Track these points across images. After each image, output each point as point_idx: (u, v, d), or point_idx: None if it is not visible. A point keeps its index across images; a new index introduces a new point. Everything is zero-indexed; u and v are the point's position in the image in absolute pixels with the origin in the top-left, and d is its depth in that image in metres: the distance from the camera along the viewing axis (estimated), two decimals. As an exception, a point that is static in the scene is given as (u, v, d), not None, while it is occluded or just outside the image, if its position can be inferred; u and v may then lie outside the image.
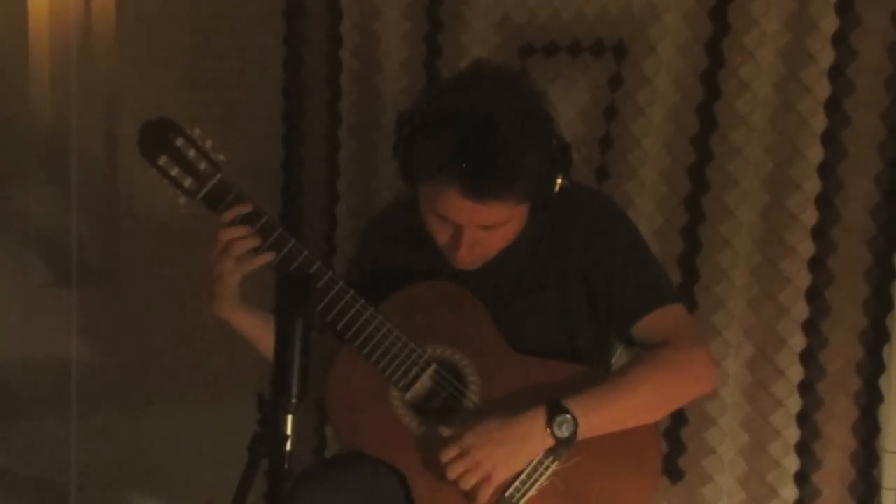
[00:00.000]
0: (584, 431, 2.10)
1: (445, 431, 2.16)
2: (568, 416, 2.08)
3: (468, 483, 2.10)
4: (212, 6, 3.29)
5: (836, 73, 2.41)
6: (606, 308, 2.22)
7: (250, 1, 3.26)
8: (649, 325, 2.19)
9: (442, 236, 2.17)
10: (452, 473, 2.10)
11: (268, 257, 2.16)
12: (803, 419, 2.50)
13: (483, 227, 2.12)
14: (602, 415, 2.12)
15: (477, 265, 2.21)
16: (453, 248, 2.16)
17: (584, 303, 2.24)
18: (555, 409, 2.09)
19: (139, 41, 3.37)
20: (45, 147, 3.45)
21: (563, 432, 2.08)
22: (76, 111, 3.42)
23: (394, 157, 2.18)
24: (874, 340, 2.41)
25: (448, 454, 2.10)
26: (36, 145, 3.44)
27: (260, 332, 2.20)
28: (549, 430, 2.08)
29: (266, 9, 3.18)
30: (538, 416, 2.09)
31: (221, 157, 2.18)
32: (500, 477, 2.11)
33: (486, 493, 2.12)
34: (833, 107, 2.42)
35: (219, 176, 2.17)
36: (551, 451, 2.13)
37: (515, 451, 2.11)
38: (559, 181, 2.13)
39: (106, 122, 3.45)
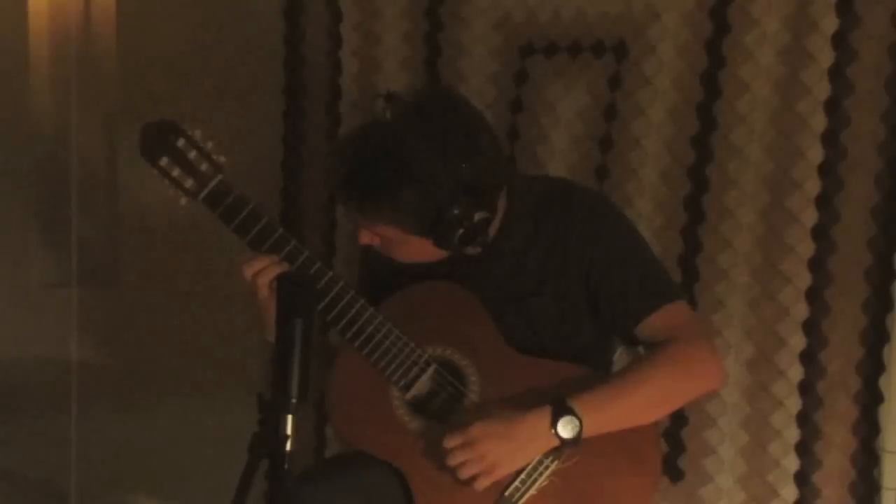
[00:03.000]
0: (589, 430, 2.10)
1: (448, 435, 2.15)
2: (573, 416, 2.08)
3: (467, 473, 2.10)
4: (212, 6, 3.29)
5: (836, 73, 2.41)
6: (608, 309, 2.22)
7: (250, 1, 3.26)
8: (653, 324, 2.19)
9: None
10: (454, 461, 2.10)
11: (282, 266, 2.17)
12: (803, 419, 2.50)
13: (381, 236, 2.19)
14: (607, 413, 2.12)
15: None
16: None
17: (584, 304, 2.24)
18: (560, 410, 2.08)
19: (139, 41, 3.37)
20: (45, 147, 3.45)
21: (568, 433, 2.08)
22: (76, 111, 3.42)
23: None
24: (874, 340, 2.41)
25: (453, 441, 2.10)
26: (36, 146, 3.44)
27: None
28: (553, 430, 2.08)
29: (266, 9, 3.18)
30: (543, 417, 2.09)
31: (222, 159, 2.19)
32: (500, 472, 2.11)
33: (483, 485, 2.11)
34: (833, 107, 2.42)
35: (220, 177, 2.17)
36: (553, 451, 2.13)
37: (519, 448, 2.11)
38: (477, 216, 2.11)
39: (106, 123, 3.45)
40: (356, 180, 2.10)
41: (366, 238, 2.20)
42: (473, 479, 2.11)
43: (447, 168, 2.08)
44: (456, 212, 2.09)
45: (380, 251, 2.23)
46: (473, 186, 2.10)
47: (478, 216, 2.11)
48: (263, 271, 2.16)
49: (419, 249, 2.18)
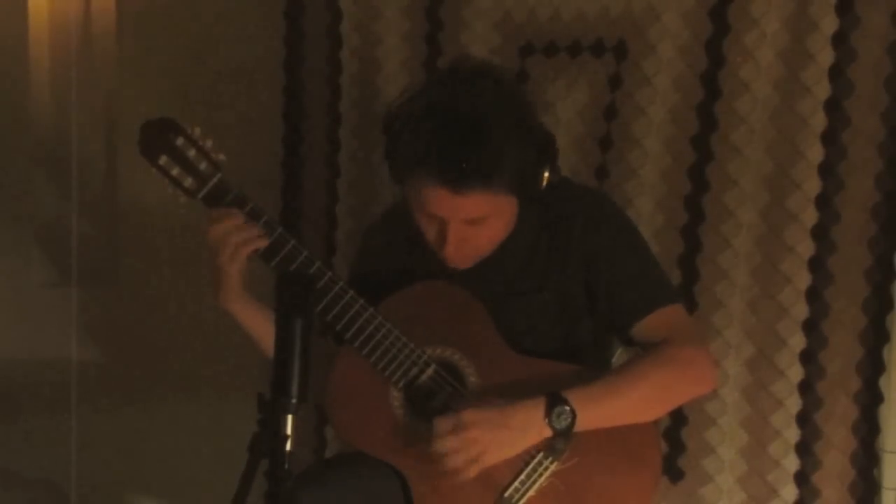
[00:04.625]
0: (582, 424, 2.10)
1: (438, 419, 2.14)
2: (567, 407, 2.08)
3: (456, 460, 2.08)
4: (212, 6, 3.29)
5: (836, 73, 2.41)
6: (606, 308, 2.22)
7: (250, 1, 3.26)
8: (649, 325, 2.19)
9: (430, 234, 2.18)
10: (443, 446, 2.08)
11: (263, 241, 2.16)
12: (803, 419, 2.50)
13: (468, 222, 2.13)
14: (600, 409, 2.12)
15: (469, 263, 2.21)
16: (441, 245, 2.16)
17: (583, 303, 2.24)
18: (554, 401, 2.09)
19: (139, 41, 3.37)
20: (45, 147, 3.45)
21: (561, 424, 2.08)
22: (76, 111, 3.42)
23: (385, 159, 2.22)
24: (874, 340, 2.41)
25: (443, 425, 2.09)
26: (36, 145, 3.44)
27: (262, 325, 2.21)
28: (547, 420, 2.08)
29: (266, 9, 3.18)
30: (537, 406, 2.09)
31: (222, 157, 2.19)
32: (490, 460, 2.10)
33: (474, 472, 2.10)
34: (833, 107, 2.42)
35: (219, 175, 2.17)
36: (550, 449, 2.13)
37: (511, 437, 2.10)
38: (546, 175, 2.15)
39: (106, 123, 3.45)
40: (474, 152, 2.05)
41: (456, 239, 2.14)
42: (463, 466, 2.09)
43: (530, 125, 2.13)
44: (539, 166, 2.13)
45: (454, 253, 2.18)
46: (547, 144, 2.16)
47: (548, 172, 2.16)
48: (237, 231, 2.15)
49: (502, 223, 2.17)
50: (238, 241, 2.15)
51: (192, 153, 2.17)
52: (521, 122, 2.12)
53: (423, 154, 2.08)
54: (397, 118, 2.16)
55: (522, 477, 2.15)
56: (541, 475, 2.15)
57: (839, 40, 2.40)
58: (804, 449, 2.50)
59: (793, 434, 2.51)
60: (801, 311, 2.48)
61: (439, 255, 2.19)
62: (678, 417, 2.61)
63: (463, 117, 2.06)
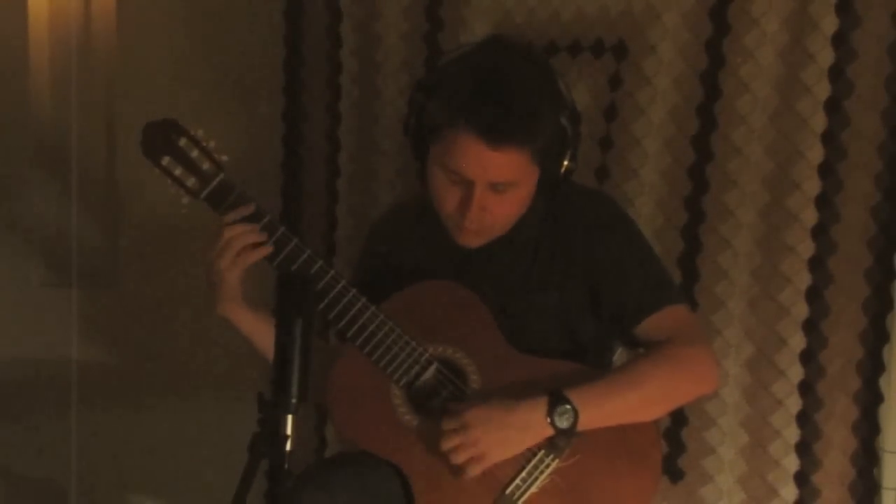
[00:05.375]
0: (584, 423, 2.10)
1: (444, 418, 2.15)
2: (569, 406, 2.08)
3: (460, 457, 2.10)
4: (212, 6, 3.29)
5: (836, 73, 2.41)
6: (610, 308, 2.22)
7: (250, 1, 3.26)
8: (653, 325, 2.19)
9: (450, 203, 2.16)
10: (447, 445, 2.10)
11: (265, 250, 2.16)
12: (803, 419, 2.50)
13: (493, 187, 2.12)
14: (602, 408, 2.12)
15: (481, 240, 2.20)
16: (462, 213, 2.15)
17: (586, 303, 2.24)
18: (556, 400, 2.09)
19: (139, 41, 3.37)
20: (45, 147, 3.45)
21: (563, 423, 2.09)
22: (76, 111, 3.42)
23: (405, 134, 2.21)
24: (874, 340, 2.41)
25: (448, 424, 2.10)
26: (36, 145, 3.44)
27: (262, 332, 2.20)
28: (549, 419, 2.09)
29: (266, 9, 3.18)
30: (540, 405, 2.10)
31: (224, 157, 2.19)
32: (492, 458, 2.11)
33: (476, 471, 2.11)
34: (833, 107, 2.42)
35: (222, 175, 2.18)
36: (551, 446, 2.13)
37: (513, 436, 2.11)
38: (566, 163, 2.16)
39: (106, 122, 3.44)
40: (514, 106, 2.07)
41: (481, 202, 2.13)
42: (466, 465, 2.10)
43: (564, 97, 2.15)
44: (566, 144, 2.15)
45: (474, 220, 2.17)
46: (576, 121, 2.18)
47: (570, 162, 2.17)
48: (241, 236, 2.14)
49: (522, 196, 2.17)
50: (243, 246, 2.14)
51: (194, 153, 2.17)
52: (557, 91, 2.14)
53: (465, 103, 2.07)
54: (430, 80, 2.18)
55: (524, 474, 2.15)
56: (542, 473, 2.15)
57: (839, 40, 2.40)
58: (804, 449, 2.50)
59: (793, 434, 2.51)
60: (801, 311, 2.48)
61: (454, 230, 2.19)
62: (678, 417, 2.61)
63: (504, 75, 2.08)
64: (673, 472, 2.63)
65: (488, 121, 2.06)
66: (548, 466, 2.15)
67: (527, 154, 2.09)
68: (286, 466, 1.65)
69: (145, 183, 2.25)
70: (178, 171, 2.17)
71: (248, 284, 2.20)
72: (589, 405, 2.10)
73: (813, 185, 2.45)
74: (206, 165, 2.18)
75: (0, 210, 3.43)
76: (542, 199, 2.23)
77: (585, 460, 2.15)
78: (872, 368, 2.42)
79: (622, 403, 2.14)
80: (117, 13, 3.39)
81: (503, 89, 2.07)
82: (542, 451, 2.15)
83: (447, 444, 2.10)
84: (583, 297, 2.24)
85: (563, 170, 2.17)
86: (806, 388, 2.49)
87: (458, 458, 2.10)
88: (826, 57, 2.42)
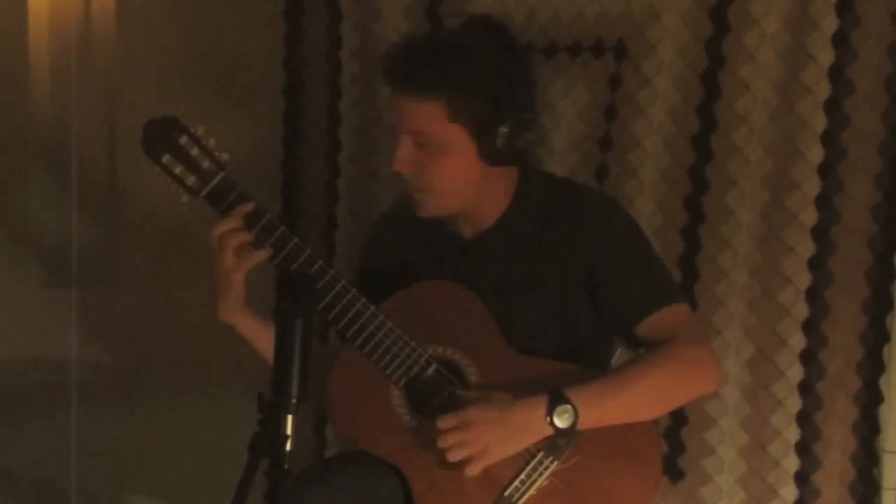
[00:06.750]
0: (584, 423, 2.10)
1: (442, 417, 2.14)
2: (568, 406, 2.08)
3: (458, 455, 2.09)
4: (212, 6, 3.29)
5: (836, 73, 2.41)
6: (610, 307, 2.23)
7: (250, 1, 3.26)
8: (653, 324, 2.19)
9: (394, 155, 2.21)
10: (445, 442, 2.09)
11: (266, 252, 2.16)
12: (803, 419, 2.50)
13: (415, 141, 2.15)
14: (602, 408, 2.12)
15: (429, 208, 2.22)
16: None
17: (585, 301, 2.24)
18: (556, 399, 2.09)
19: (139, 41, 3.37)
20: (45, 147, 3.45)
21: (563, 422, 2.08)
22: (76, 111, 3.42)
23: None
24: (874, 340, 2.41)
25: (446, 423, 2.10)
26: (36, 145, 3.44)
27: (265, 338, 2.20)
28: (548, 418, 2.09)
29: (266, 9, 3.18)
30: (539, 405, 2.09)
31: (225, 156, 2.19)
32: (491, 457, 2.11)
33: (474, 470, 2.11)
34: (833, 107, 2.42)
35: (222, 174, 2.18)
36: (551, 448, 2.13)
37: (513, 435, 2.11)
38: (503, 129, 2.15)
39: (106, 122, 3.44)
40: (426, 44, 2.19)
41: (405, 150, 2.17)
42: (465, 463, 2.10)
43: (510, 71, 2.18)
44: (507, 119, 2.15)
45: (406, 190, 2.21)
46: (526, 105, 2.19)
47: (521, 137, 2.18)
48: (236, 232, 2.15)
49: (455, 167, 2.18)
50: (239, 242, 2.14)
51: (195, 152, 2.17)
52: (500, 62, 2.17)
53: (388, 56, 2.19)
54: None
55: (523, 476, 2.15)
56: (541, 474, 2.15)
57: (839, 40, 2.40)
58: (804, 449, 2.50)
59: (793, 434, 2.51)
60: (801, 311, 2.48)
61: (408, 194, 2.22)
62: (678, 417, 2.61)
63: (436, 36, 2.24)
64: (673, 472, 2.63)
65: (392, 65, 2.16)
66: (547, 468, 2.15)
67: (436, 106, 2.12)
68: (286, 466, 1.65)
69: (145, 183, 2.25)
70: (178, 170, 2.17)
71: (248, 284, 2.20)
72: (589, 405, 2.10)
73: (813, 186, 2.45)
74: (206, 164, 2.18)
75: (0, 210, 3.43)
76: (537, 195, 2.23)
77: (585, 461, 2.15)
78: (872, 368, 2.42)
79: (622, 403, 2.14)
80: (117, 13, 3.39)
81: (421, 43, 2.18)
82: (542, 453, 2.14)
83: (446, 442, 2.10)
84: (582, 294, 2.24)
85: (501, 142, 2.16)
86: (806, 388, 2.49)
87: (457, 455, 2.10)
88: (826, 57, 2.41)
